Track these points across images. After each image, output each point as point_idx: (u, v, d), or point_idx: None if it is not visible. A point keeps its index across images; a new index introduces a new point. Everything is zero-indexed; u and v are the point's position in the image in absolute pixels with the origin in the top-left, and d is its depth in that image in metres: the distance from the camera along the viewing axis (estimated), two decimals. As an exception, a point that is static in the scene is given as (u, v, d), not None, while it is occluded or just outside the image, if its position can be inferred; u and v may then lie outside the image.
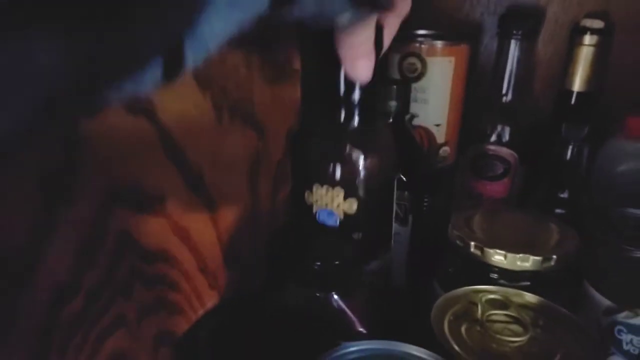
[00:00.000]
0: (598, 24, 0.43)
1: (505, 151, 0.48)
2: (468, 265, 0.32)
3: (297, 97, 0.39)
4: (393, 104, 0.42)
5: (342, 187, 0.34)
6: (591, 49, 0.43)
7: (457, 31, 0.47)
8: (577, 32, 0.44)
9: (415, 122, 0.49)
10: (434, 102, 0.48)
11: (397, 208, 0.40)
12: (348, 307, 0.30)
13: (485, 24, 0.51)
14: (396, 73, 0.48)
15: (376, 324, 0.31)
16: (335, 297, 0.30)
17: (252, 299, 0.32)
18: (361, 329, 0.30)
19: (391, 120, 0.43)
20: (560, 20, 0.48)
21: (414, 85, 0.47)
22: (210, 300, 0.31)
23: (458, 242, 0.32)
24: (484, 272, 0.31)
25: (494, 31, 0.49)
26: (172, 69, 0.14)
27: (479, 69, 0.51)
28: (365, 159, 0.34)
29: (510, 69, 0.47)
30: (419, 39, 0.48)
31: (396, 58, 0.47)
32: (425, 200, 0.48)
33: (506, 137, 0.48)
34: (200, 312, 0.30)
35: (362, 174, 0.34)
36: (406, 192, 0.42)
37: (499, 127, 0.48)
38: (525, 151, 0.47)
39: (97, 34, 0.11)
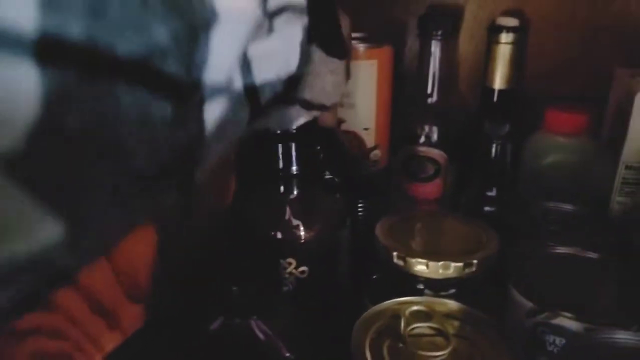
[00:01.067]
0: (513, 21, 0.44)
1: (434, 152, 0.48)
2: (394, 276, 0.31)
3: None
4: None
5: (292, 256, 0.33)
6: (508, 46, 0.44)
7: (379, 33, 0.47)
8: (493, 31, 0.44)
9: (344, 127, 0.48)
10: (361, 106, 0.47)
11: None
12: (272, 332, 0.29)
13: (408, 24, 0.50)
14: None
15: (304, 346, 0.29)
16: (256, 322, 0.28)
17: (168, 329, 0.30)
18: (288, 354, 0.29)
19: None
20: (478, 18, 0.48)
21: (341, 90, 0.47)
22: (111, 342, 0.28)
23: (381, 252, 0.31)
24: (409, 282, 0.30)
25: (416, 32, 0.49)
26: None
27: (405, 70, 0.51)
28: (307, 227, 0.34)
29: (433, 70, 0.47)
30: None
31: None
32: (360, 205, 0.48)
33: (435, 138, 0.48)
34: (98, 357, 0.28)
35: (307, 241, 0.34)
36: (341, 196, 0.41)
37: (427, 128, 0.48)
38: (454, 151, 0.48)
39: None
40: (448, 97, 0.48)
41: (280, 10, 0.19)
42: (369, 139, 0.49)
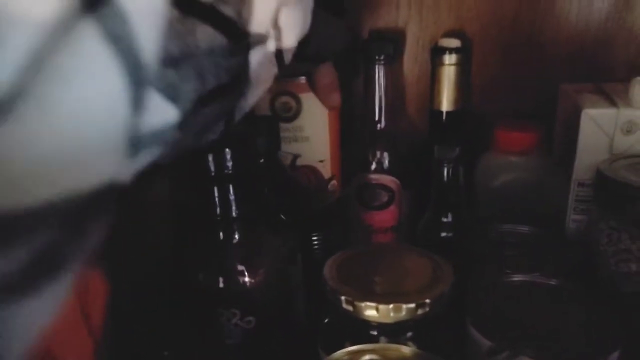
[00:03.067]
0: (455, 42, 0.43)
1: (387, 178, 0.46)
2: (345, 321, 0.29)
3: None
4: (261, 141, 0.39)
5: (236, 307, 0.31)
6: (452, 67, 0.43)
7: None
8: (436, 53, 0.43)
9: (299, 161, 0.47)
10: (314, 138, 0.46)
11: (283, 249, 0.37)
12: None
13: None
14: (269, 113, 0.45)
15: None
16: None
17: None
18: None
19: (263, 160, 0.40)
20: (420, 40, 0.48)
21: (292, 125, 0.45)
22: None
23: (330, 295, 0.29)
24: (362, 328, 0.28)
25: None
26: None
27: (353, 98, 0.50)
28: (251, 273, 0.31)
29: (379, 95, 0.45)
30: (289, 75, 0.46)
31: (266, 99, 0.45)
32: (316, 237, 0.46)
33: (386, 164, 0.47)
34: None
35: (253, 287, 0.31)
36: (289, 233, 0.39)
37: (378, 154, 0.47)
38: (407, 176, 0.46)
39: None
40: (397, 122, 0.47)
41: None
42: (325, 171, 0.47)
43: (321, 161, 0.47)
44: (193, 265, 0.32)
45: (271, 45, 0.23)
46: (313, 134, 0.46)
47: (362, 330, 0.28)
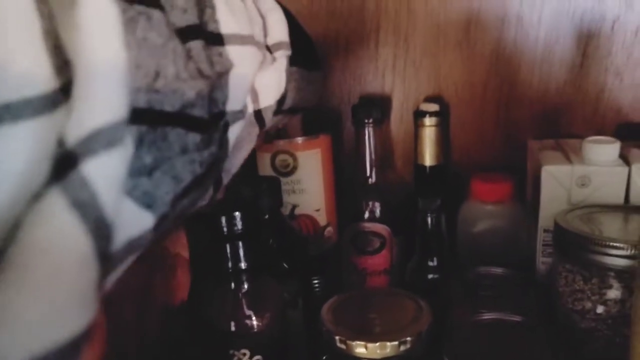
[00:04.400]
0: (434, 107, 0.49)
1: (378, 226, 0.51)
2: (340, 358, 0.33)
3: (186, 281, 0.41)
4: (266, 201, 0.45)
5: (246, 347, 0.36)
6: (432, 128, 0.49)
7: (319, 124, 0.52)
8: (417, 116, 0.50)
9: (297, 211, 0.52)
10: (310, 190, 0.52)
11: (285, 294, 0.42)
12: None
13: (343, 113, 0.56)
14: (270, 170, 0.51)
15: None
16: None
17: None
18: None
19: (267, 216, 0.45)
20: (405, 104, 0.54)
21: (291, 179, 0.51)
22: None
23: (325, 335, 0.34)
24: (355, 365, 0.33)
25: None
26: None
27: (345, 152, 0.56)
28: (259, 317, 0.36)
29: (369, 153, 0.51)
30: (286, 135, 0.52)
31: (267, 157, 0.51)
32: (317, 281, 0.51)
33: (378, 214, 0.52)
34: None
35: (260, 330, 0.36)
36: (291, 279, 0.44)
37: (370, 205, 0.52)
38: (396, 224, 0.51)
39: None
40: (386, 175, 0.53)
41: (277, 46, 0.27)
42: (321, 219, 0.53)
43: (317, 210, 0.52)
44: (208, 313, 0.37)
45: (249, 108, 0.25)
46: (309, 186, 0.51)
47: (354, 366, 0.33)
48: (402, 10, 0.51)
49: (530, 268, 0.46)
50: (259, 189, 0.43)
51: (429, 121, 0.49)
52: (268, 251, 0.42)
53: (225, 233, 0.36)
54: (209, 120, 0.21)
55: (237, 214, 0.35)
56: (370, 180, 0.52)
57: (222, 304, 0.37)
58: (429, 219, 0.47)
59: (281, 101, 0.29)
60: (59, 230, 0.14)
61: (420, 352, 0.33)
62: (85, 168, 0.14)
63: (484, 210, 0.48)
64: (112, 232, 0.16)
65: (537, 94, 0.51)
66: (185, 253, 0.39)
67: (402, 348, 0.32)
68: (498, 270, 0.44)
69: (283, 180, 0.49)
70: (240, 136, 0.24)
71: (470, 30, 0.50)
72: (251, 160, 0.52)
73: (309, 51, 0.34)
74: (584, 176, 0.42)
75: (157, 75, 0.17)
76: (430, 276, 0.48)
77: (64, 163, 0.14)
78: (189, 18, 0.20)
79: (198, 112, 0.20)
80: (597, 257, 0.35)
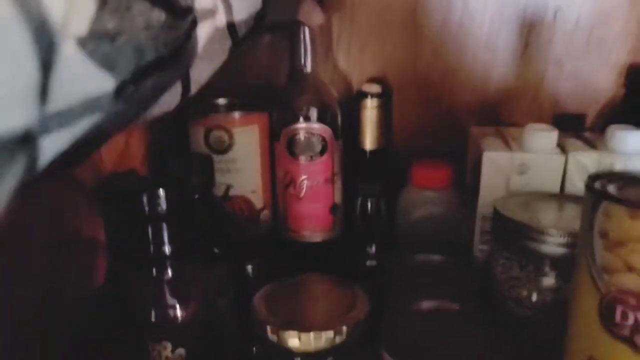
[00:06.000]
0: (376, 88, 0.48)
1: (318, 127, 0.48)
2: (272, 350, 0.31)
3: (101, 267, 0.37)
4: (196, 179, 0.41)
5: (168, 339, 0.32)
6: (374, 110, 0.47)
7: (258, 99, 0.49)
8: (359, 97, 0.48)
9: (232, 192, 0.49)
10: (246, 170, 0.48)
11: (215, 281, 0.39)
12: None
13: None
14: (203, 147, 0.47)
15: None
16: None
17: None
18: None
19: (197, 197, 0.42)
20: (347, 86, 0.52)
21: (225, 157, 0.48)
22: None
23: (257, 326, 0.31)
24: (286, 356, 0.31)
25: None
26: None
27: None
28: (183, 307, 0.33)
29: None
30: (223, 110, 0.49)
31: (201, 132, 0.47)
32: (250, 267, 0.48)
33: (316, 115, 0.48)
34: None
35: (184, 321, 0.33)
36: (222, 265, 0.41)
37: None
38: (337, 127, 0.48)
39: None
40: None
41: None
42: (257, 201, 0.50)
43: (253, 192, 0.49)
44: (126, 301, 0.33)
45: (221, 19, 0.25)
46: (245, 165, 0.48)
47: (287, 358, 0.31)
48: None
49: (468, 254, 0.46)
50: (189, 166, 0.40)
51: (371, 103, 0.47)
52: (197, 234, 0.39)
53: (147, 213, 0.32)
54: (176, 3, 0.21)
55: (161, 191, 0.32)
56: (306, 74, 0.47)
57: (142, 292, 0.33)
58: (369, 204, 0.46)
59: (259, 18, 0.29)
60: None
61: (356, 341, 0.32)
62: None
63: (423, 196, 0.48)
64: (55, 46, 0.15)
65: (480, 80, 0.50)
66: (100, 235, 0.35)
67: (338, 339, 0.30)
68: (436, 257, 0.43)
69: (217, 158, 0.46)
70: (210, 44, 0.24)
71: (417, 11, 0.49)
72: (183, 135, 0.48)
73: None
74: (523, 163, 0.42)
75: None
76: (369, 262, 0.47)
77: None
78: None
79: None
80: (534, 245, 0.35)
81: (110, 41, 0.18)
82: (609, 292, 0.25)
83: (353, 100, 0.48)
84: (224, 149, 0.48)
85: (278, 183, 0.50)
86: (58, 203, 0.34)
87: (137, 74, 0.20)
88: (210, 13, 0.24)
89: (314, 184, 0.48)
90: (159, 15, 0.20)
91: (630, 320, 0.24)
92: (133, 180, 0.36)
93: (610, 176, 0.28)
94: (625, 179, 0.28)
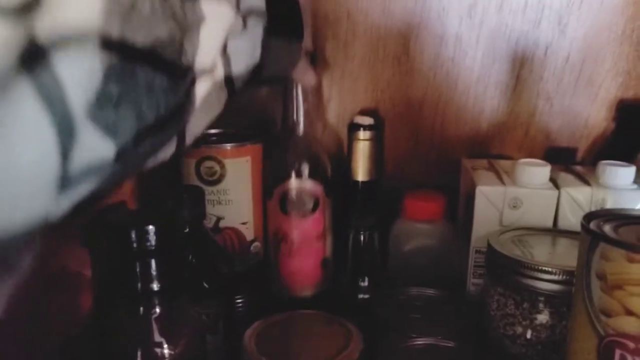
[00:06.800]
0: (369, 120, 0.48)
1: (310, 184, 0.48)
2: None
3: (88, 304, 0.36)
4: (185, 213, 0.40)
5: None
6: (366, 142, 0.47)
7: (251, 130, 0.49)
8: (352, 129, 0.48)
9: (222, 223, 0.48)
10: (238, 201, 0.48)
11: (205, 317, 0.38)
12: None
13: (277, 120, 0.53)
14: (194, 178, 0.47)
15: None
16: None
17: None
18: None
19: (187, 230, 0.41)
20: (340, 118, 0.52)
21: (217, 188, 0.47)
22: None
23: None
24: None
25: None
26: None
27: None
28: (171, 345, 0.32)
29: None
30: (214, 140, 0.48)
31: (192, 164, 0.46)
32: (240, 300, 0.47)
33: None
34: None
35: (172, 358, 0.32)
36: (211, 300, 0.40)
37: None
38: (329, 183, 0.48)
39: None
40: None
41: (249, 13, 0.27)
42: (248, 233, 0.49)
43: (244, 223, 0.48)
44: (112, 339, 0.32)
45: (220, 73, 0.25)
46: (237, 197, 0.47)
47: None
48: (342, 17, 0.49)
49: (461, 288, 0.45)
50: (179, 198, 0.39)
51: (363, 135, 0.47)
52: (186, 269, 0.38)
53: (135, 249, 0.31)
54: (178, 67, 0.21)
55: (150, 227, 0.31)
56: (298, 131, 0.47)
57: (128, 329, 0.32)
58: (362, 237, 0.46)
59: (256, 71, 0.29)
60: (23, 118, 0.14)
61: (349, 383, 0.31)
62: (55, 61, 0.15)
63: (416, 228, 0.47)
64: (76, 134, 0.16)
65: (471, 114, 0.51)
66: (87, 271, 0.34)
67: (331, 379, 0.29)
68: (430, 291, 0.42)
69: (208, 189, 0.45)
70: (207, 98, 0.25)
71: (410, 45, 0.50)
72: (175, 167, 0.47)
73: (292, 19, 0.34)
74: (516, 198, 0.42)
75: (132, 5, 0.18)
76: (361, 296, 0.46)
77: (33, 55, 0.14)
78: None
79: (168, 54, 0.20)
80: (529, 281, 0.34)
81: (114, 107, 0.18)
82: (608, 334, 0.25)
83: (346, 132, 0.48)
84: (215, 180, 0.47)
85: (270, 239, 0.50)
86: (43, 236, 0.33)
87: (137, 137, 0.20)
88: (209, 70, 0.24)
89: (305, 240, 0.48)
90: (161, 79, 0.20)
91: (630, 365, 0.24)
92: (123, 214, 0.36)
93: (606, 215, 0.28)
94: (621, 218, 0.28)
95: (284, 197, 0.47)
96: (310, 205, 0.47)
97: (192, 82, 0.23)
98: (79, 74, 0.16)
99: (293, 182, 0.47)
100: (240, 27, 0.26)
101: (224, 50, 0.25)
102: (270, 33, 0.29)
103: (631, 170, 0.41)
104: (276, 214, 0.48)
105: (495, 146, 0.51)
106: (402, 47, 0.50)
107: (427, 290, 0.43)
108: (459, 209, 0.50)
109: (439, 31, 0.49)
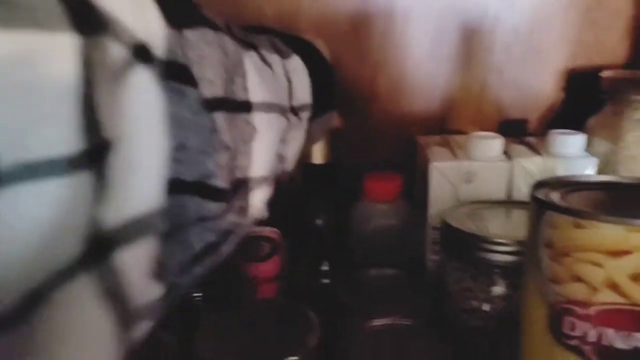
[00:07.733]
0: (322, 101, 0.46)
1: (268, 230, 0.48)
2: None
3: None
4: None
5: None
6: (320, 124, 0.46)
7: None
8: (305, 111, 0.46)
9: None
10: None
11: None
12: None
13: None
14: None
15: None
16: None
17: None
18: None
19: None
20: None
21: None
22: None
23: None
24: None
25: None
26: None
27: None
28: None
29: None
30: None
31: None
32: (198, 295, 0.46)
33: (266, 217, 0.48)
34: None
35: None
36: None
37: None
38: (286, 228, 0.48)
39: None
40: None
41: (301, 108, 0.29)
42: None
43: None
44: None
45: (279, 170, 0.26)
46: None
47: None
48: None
49: (420, 266, 0.45)
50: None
51: (317, 116, 0.46)
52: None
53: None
54: (229, 189, 0.21)
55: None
56: None
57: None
58: (320, 222, 0.45)
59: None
60: (87, 318, 0.13)
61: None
62: (120, 257, 0.14)
63: (375, 209, 0.47)
64: (133, 323, 0.15)
65: (424, 90, 0.50)
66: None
67: (289, 368, 0.29)
68: (390, 270, 0.42)
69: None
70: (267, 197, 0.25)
71: (358, 21, 0.48)
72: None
73: (328, 92, 0.36)
74: (470, 172, 0.41)
75: (181, 147, 0.17)
76: (323, 280, 0.45)
77: (98, 247, 0.13)
78: (215, 90, 0.20)
79: (217, 182, 0.19)
80: (484, 254, 0.34)
81: (162, 244, 0.17)
82: (557, 302, 0.25)
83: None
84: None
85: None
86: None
87: (182, 269, 0.19)
88: (266, 180, 0.24)
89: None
90: (211, 207, 0.19)
91: (579, 331, 0.24)
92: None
93: (554, 183, 0.28)
94: (569, 185, 0.28)
95: (243, 241, 0.47)
96: (267, 250, 0.46)
97: (247, 193, 0.22)
98: (143, 261, 0.15)
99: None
100: (295, 124, 0.28)
101: (280, 154, 0.26)
102: (314, 117, 0.31)
103: (580, 138, 0.42)
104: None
105: (449, 121, 0.51)
106: (350, 24, 0.48)
107: (386, 271, 0.43)
108: (416, 188, 0.49)
109: (387, 5, 0.48)
